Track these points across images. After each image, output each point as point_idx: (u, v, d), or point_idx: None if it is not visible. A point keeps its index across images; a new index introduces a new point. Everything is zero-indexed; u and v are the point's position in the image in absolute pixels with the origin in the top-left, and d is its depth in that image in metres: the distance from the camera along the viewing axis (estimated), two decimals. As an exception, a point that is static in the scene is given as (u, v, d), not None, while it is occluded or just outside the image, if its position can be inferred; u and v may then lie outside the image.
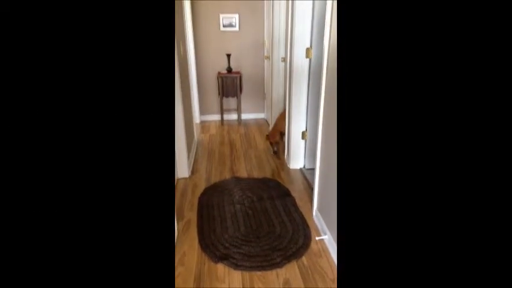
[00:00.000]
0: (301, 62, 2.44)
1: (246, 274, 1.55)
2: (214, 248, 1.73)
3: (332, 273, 1.56)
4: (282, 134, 3.01)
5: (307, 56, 2.42)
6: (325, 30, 1.61)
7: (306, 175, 2.63)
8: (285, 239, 1.80)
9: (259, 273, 1.55)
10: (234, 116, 4.44)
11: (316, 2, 2.25)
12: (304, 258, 1.65)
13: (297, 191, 2.39)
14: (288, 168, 2.81)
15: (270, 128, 3.42)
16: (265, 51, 4.14)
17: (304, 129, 2.67)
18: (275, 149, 3.10)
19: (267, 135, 3.14)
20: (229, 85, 4.05)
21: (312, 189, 2.24)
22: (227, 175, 2.68)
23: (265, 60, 4.20)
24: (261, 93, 4.45)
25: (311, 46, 2.38)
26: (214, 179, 2.61)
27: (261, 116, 4.55)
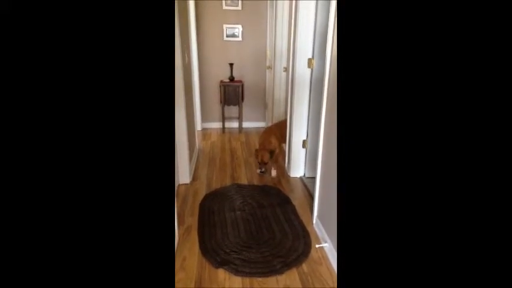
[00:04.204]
0: (303, 72, 2.50)
1: (247, 280, 1.55)
2: (214, 253, 1.73)
3: (332, 280, 1.56)
4: (272, 153, 2.74)
5: (309, 66, 2.47)
6: (327, 41, 1.66)
7: (306, 183, 2.64)
8: (285, 245, 1.80)
9: (259, 279, 1.56)
10: (235, 124, 4.47)
11: (318, 12, 2.32)
12: (304, 266, 1.66)
13: (297, 199, 2.40)
14: (289, 177, 2.83)
15: (259, 142, 2.94)
16: (268, 61, 4.21)
17: (305, 137, 2.71)
18: (263, 169, 2.78)
19: (256, 151, 2.82)
20: (231, 93, 4.09)
21: (312, 197, 2.26)
22: (228, 182, 2.69)
23: (267, 70, 4.26)
24: (263, 102, 4.50)
25: (313, 57, 2.44)
26: (215, 185, 2.62)
27: (262, 124, 4.59)
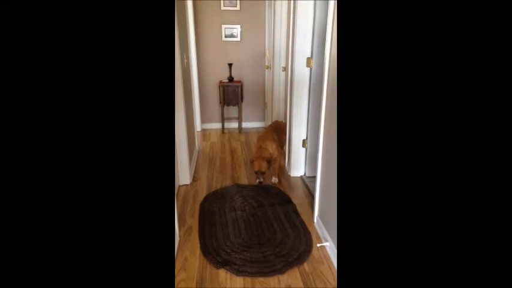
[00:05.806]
0: (302, 71, 2.49)
1: (248, 280, 1.55)
2: (215, 253, 1.73)
3: (334, 279, 1.56)
4: (269, 162, 2.58)
5: (307, 66, 2.47)
6: (326, 40, 1.66)
7: (307, 183, 2.64)
8: (287, 245, 1.80)
9: (261, 279, 1.55)
10: (234, 125, 4.47)
11: (317, 11, 2.32)
12: (305, 265, 1.66)
13: (297, 198, 2.40)
14: (289, 176, 2.82)
15: (255, 147, 2.75)
16: (266, 61, 4.21)
17: (304, 137, 2.71)
18: (261, 179, 2.60)
19: (252, 161, 2.64)
20: (231, 94, 4.09)
21: (312, 196, 2.25)
22: (228, 182, 2.69)
23: (266, 70, 4.26)
24: (262, 102, 4.50)
25: (312, 56, 2.44)
26: (216, 186, 2.62)
27: (262, 124, 4.59)
